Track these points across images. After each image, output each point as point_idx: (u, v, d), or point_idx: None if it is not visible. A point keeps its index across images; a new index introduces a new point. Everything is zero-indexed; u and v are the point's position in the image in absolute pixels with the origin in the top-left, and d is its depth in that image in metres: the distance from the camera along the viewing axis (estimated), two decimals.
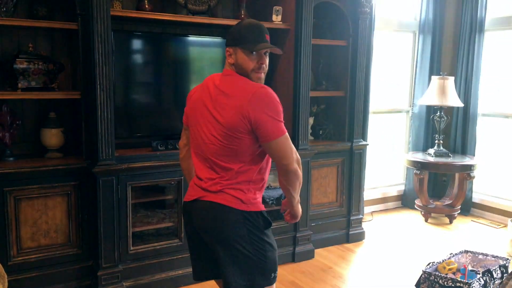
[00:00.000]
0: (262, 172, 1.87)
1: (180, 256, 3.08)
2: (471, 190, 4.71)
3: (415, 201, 4.68)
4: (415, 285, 3.04)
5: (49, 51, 2.93)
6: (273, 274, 1.85)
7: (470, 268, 3.00)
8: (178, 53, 3.26)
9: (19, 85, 2.67)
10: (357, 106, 3.80)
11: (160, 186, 3.14)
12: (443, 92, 4.37)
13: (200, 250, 1.94)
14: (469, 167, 4.30)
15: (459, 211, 4.55)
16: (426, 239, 4.08)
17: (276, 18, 3.35)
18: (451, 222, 4.49)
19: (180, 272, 3.07)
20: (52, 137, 2.88)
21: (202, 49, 3.38)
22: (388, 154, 5.10)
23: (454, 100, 4.38)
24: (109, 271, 2.84)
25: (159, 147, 3.03)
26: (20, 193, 2.68)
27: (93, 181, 2.79)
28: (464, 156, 4.57)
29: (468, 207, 4.73)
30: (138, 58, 3.17)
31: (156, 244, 3.03)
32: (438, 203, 4.61)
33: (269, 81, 3.12)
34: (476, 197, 4.75)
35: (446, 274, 2.85)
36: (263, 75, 1.84)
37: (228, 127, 1.74)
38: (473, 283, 2.67)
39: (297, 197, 1.91)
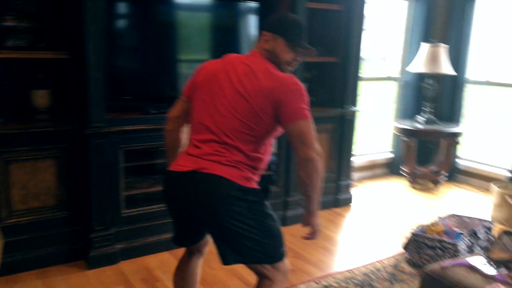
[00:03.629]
0: (265, 163, 1.82)
1: (172, 220, 3.09)
2: (456, 156, 4.79)
3: (402, 167, 4.75)
4: (403, 247, 3.12)
5: (37, 10, 2.83)
6: (281, 248, 1.79)
7: (455, 230, 3.07)
8: (167, 16, 3.15)
9: (7, 43, 2.59)
10: (349, 72, 3.79)
11: (151, 150, 3.12)
12: (434, 60, 4.37)
13: (186, 223, 1.86)
14: (456, 134, 4.37)
15: (445, 177, 4.64)
16: (413, 204, 4.17)
17: None
18: (437, 187, 4.59)
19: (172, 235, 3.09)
20: (41, 98, 2.82)
21: (191, 13, 3.27)
22: (376, 121, 5.14)
23: (446, 68, 4.39)
24: (101, 233, 2.84)
25: (151, 110, 2.99)
26: (9, 155, 2.63)
27: (84, 144, 2.76)
28: (452, 123, 4.63)
29: (454, 173, 4.83)
30: (125, 19, 3.07)
31: (148, 208, 3.03)
32: (424, 169, 4.69)
33: None
34: (462, 164, 4.85)
35: (433, 236, 2.92)
36: (292, 70, 1.88)
37: (253, 104, 1.69)
38: (459, 243, 2.75)
39: (316, 198, 1.73)
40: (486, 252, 1.98)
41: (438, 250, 2.79)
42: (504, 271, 1.85)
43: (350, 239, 3.39)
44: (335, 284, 2.68)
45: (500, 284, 1.72)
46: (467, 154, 4.88)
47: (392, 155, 5.10)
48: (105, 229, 2.86)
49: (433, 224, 3.08)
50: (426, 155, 5.04)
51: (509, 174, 4.18)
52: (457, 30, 4.62)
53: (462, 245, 2.76)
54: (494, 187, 3.72)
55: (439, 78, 4.72)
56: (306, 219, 1.81)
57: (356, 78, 3.96)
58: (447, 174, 4.63)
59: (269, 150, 1.85)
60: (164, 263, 2.94)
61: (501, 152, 4.78)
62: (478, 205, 4.16)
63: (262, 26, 1.88)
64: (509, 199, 3.56)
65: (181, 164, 1.76)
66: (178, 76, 3.29)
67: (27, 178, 2.72)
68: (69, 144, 2.80)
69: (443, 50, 4.39)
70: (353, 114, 3.93)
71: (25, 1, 2.77)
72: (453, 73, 4.47)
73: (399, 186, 4.67)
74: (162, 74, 3.24)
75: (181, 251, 3.05)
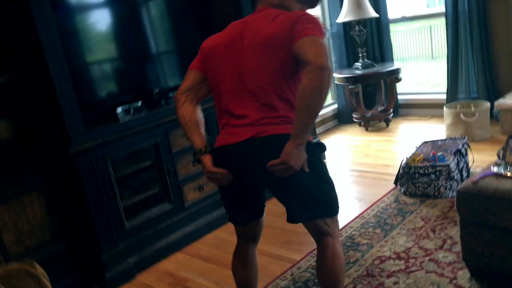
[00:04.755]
0: None
1: (176, 219, 3.00)
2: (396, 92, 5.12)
3: (353, 114, 4.98)
4: (394, 182, 3.32)
5: None
6: (338, 199, 1.77)
7: (438, 154, 3.31)
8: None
9: None
10: None
11: (137, 154, 2.95)
12: (358, 6, 4.57)
13: (247, 195, 1.79)
14: (396, 71, 4.65)
15: (392, 114, 4.96)
16: (376, 144, 4.41)
17: None
18: (388, 125, 4.88)
19: (178, 234, 3.00)
20: (3, 130, 2.52)
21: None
22: None
23: (369, 12, 4.62)
24: (111, 252, 2.67)
25: (124, 114, 2.82)
26: None
27: (70, 165, 2.53)
28: (386, 63, 4.91)
29: (396, 109, 5.16)
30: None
31: (149, 213, 2.89)
32: (373, 111, 4.97)
33: None
34: (401, 98, 5.20)
35: (424, 164, 3.12)
36: None
37: (272, 40, 1.61)
38: (450, 163, 2.98)
39: (309, 119, 1.48)
40: (504, 158, 2.17)
41: (432, 176, 3.01)
42: None
43: (340, 190, 3.51)
44: (355, 232, 2.79)
45: None
46: (402, 88, 5.24)
47: (337, 106, 5.31)
48: (114, 246, 2.69)
49: (415, 155, 3.30)
50: (368, 99, 5.32)
51: (445, 96, 4.59)
52: None
53: (453, 165, 3.00)
54: (447, 110, 4.05)
55: (365, 23, 4.96)
56: (285, 147, 1.51)
57: None
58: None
59: None
60: (181, 263, 2.84)
61: (433, 78, 5.20)
62: (430, 130, 4.51)
63: None
64: (463, 117, 3.91)
65: (233, 134, 1.66)
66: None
67: (15, 217, 2.45)
68: (50, 171, 2.56)
69: None
70: None
71: None
72: (376, 15, 4.72)
73: (355, 132, 4.91)
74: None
75: (192, 248, 3.00)
